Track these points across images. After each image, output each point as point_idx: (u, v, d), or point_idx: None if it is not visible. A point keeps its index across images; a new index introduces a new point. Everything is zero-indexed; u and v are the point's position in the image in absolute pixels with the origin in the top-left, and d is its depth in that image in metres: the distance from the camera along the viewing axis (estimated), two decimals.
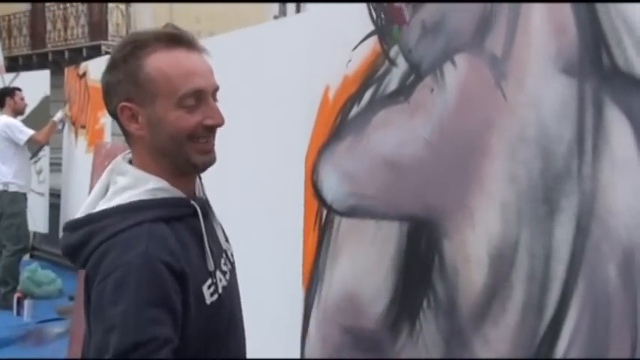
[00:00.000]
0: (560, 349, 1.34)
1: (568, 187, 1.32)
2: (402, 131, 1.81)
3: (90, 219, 1.34)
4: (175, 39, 1.34)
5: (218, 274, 1.40)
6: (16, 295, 5.92)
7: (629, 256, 1.21)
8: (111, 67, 1.36)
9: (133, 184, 1.34)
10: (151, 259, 1.23)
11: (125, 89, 1.33)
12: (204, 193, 1.54)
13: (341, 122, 2.09)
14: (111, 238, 1.27)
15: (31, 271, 6.46)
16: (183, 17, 16.55)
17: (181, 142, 1.33)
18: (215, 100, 1.38)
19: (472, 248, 1.56)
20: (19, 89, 6.37)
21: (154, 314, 1.19)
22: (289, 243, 2.35)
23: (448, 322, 1.63)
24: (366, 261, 1.96)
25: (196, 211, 1.39)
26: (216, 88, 1.39)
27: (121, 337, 1.17)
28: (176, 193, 1.37)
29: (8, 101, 6.11)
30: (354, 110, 2.03)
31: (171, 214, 1.34)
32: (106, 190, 1.40)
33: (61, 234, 1.48)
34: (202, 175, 1.54)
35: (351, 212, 2.04)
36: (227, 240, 1.57)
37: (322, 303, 2.18)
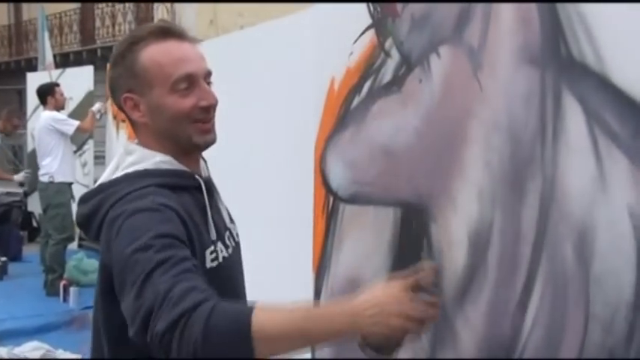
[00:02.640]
0: (527, 323, 1.41)
1: (533, 171, 1.39)
2: (395, 120, 1.89)
3: (100, 188, 1.45)
4: (166, 31, 1.44)
5: (220, 244, 1.48)
6: (62, 283, 6.17)
7: (582, 236, 1.28)
8: (113, 64, 1.49)
9: (140, 159, 1.45)
10: (158, 204, 1.32)
11: (126, 82, 1.44)
12: (208, 174, 1.62)
13: (344, 112, 2.18)
14: (119, 200, 1.36)
15: (78, 260, 6.71)
16: (227, 11, 16.72)
17: (181, 124, 1.42)
18: (208, 83, 1.46)
19: (454, 231, 1.64)
20: (58, 84, 6.58)
21: (168, 242, 1.27)
22: (301, 229, 2.45)
23: None
24: (365, 246, 2.05)
25: (200, 184, 1.48)
26: (208, 72, 1.47)
27: (143, 265, 1.23)
28: (180, 167, 1.46)
29: (49, 99, 6.33)
30: (356, 101, 2.12)
31: (175, 183, 1.42)
32: (117, 169, 1.51)
33: None
34: (218, 164, 1.62)
35: (354, 199, 2.13)
36: (232, 221, 1.65)
37: (330, 286, 2.28)
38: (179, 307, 1.14)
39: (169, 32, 1.45)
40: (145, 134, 1.48)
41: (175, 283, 1.18)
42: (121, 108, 1.49)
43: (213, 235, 1.46)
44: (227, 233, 1.56)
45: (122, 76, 1.45)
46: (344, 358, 2.12)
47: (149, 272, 1.21)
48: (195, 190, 1.47)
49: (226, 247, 1.52)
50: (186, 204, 1.42)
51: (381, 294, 1.17)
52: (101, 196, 1.43)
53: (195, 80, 1.43)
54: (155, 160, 1.44)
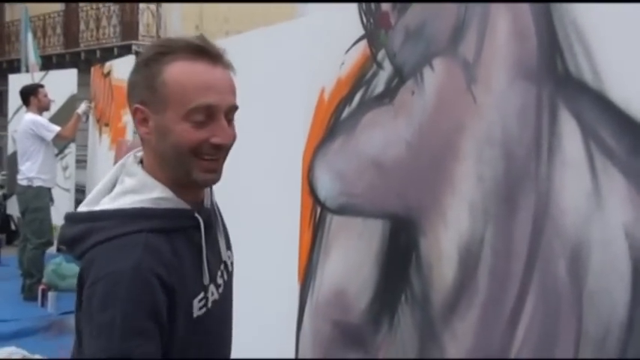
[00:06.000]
0: (517, 340, 1.40)
1: (526, 186, 1.38)
2: (386, 132, 1.88)
3: (91, 216, 1.34)
4: (200, 50, 1.30)
5: (211, 287, 1.40)
6: (40, 287, 6.10)
7: (576, 253, 1.27)
8: (135, 69, 1.36)
9: (138, 189, 1.33)
10: (143, 270, 1.22)
11: (141, 92, 1.32)
12: (212, 201, 1.50)
13: (334, 123, 2.17)
14: (107, 241, 1.27)
15: (56, 264, 6.63)
16: (212, 18, 16.77)
17: (183, 156, 1.30)
18: (230, 118, 1.34)
19: (444, 245, 1.62)
20: (42, 86, 6.51)
21: (141, 326, 1.20)
22: (288, 239, 2.43)
23: (422, 316, 1.69)
24: (353, 258, 2.03)
25: (199, 223, 1.37)
26: (233, 107, 1.34)
27: (106, 345, 1.19)
28: (180, 204, 1.35)
29: (32, 100, 6.26)
30: (346, 111, 2.10)
31: (171, 226, 1.32)
32: (113, 186, 1.39)
33: None
34: None
35: (341, 210, 2.11)
36: (229, 248, 1.56)
37: (315, 298, 2.25)
38: None
39: (204, 52, 1.30)
40: (148, 151, 1.38)
41: None
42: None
43: (206, 280, 1.38)
44: (221, 267, 1.47)
45: (140, 85, 1.33)
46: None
47: None
48: (193, 229, 1.37)
49: (217, 287, 1.44)
50: (179, 248, 1.32)
51: None
52: (90, 225, 1.32)
53: (214, 113, 1.29)
54: (153, 195, 1.32)
